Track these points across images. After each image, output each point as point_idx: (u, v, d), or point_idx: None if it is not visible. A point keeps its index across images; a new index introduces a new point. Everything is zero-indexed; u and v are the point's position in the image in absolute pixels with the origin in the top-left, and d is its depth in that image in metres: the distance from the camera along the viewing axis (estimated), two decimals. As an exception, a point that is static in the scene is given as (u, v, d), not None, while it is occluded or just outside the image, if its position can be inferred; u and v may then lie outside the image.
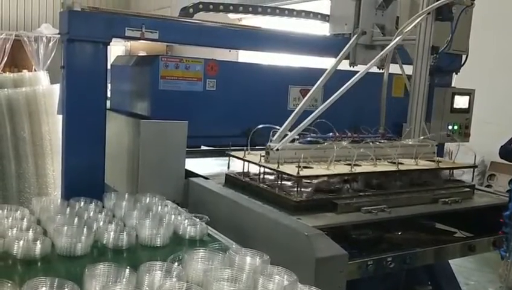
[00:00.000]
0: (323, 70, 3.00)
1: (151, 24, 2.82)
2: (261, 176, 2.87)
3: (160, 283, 1.57)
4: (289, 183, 2.67)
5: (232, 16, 9.17)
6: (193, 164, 3.18)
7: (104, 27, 2.66)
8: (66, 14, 2.61)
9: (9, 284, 1.44)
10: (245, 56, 6.79)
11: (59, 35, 10.26)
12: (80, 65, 2.66)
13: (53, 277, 1.59)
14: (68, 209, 2.29)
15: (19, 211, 2.27)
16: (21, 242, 1.86)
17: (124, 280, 1.58)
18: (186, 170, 3.01)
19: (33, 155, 5.00)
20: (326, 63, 3.21)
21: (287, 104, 3.44)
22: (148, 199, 2.55)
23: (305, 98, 2.98)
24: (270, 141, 2.74)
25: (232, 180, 2.88)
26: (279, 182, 2.65)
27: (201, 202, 2.78)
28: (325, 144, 2.80)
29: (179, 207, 2.48)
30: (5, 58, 12.92)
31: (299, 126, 2.80)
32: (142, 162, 2.83)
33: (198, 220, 2.27)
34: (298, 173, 2.48)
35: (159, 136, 2.86)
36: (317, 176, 2.57)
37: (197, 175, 3.05)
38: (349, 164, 2.68)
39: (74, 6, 2.58)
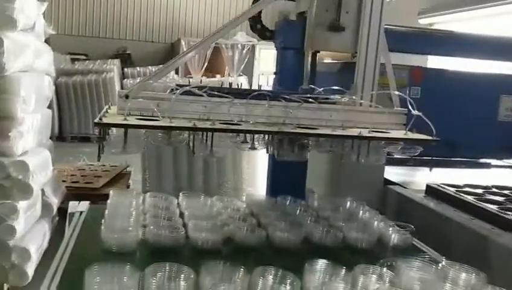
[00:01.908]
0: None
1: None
2: (466, 189, 2.73)
3: (374, 286, 1.61)
4: (501, 199, 2.49)
5: (422, 21, 8.83)
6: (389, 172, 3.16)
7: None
8: (282, 23, 2.80)
9: (241, 269, 1.61)
10: (434, 62, 6.48)
11: (252, 43, 10.85)
12: (292, 72, 2.82)
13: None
14: (278, 206, 2.46)
15: (234, 203, 2.52)
16: (241, 231, 2.07)
17: (339, 278, 1.64)
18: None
19: (232, 153, 5.45)
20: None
21: (497, 116, 3.20)
22: (348, 203, 2.61)
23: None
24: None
25: (433, 191, 2.78)
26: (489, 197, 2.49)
27: (401, 211, 2.74)
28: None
29: (380, 214, 2.48)
30: (206, 64, 14.32)
31: (170, 63, 2.22)
32: (343, 168, 2.89)
33: (402, 229, 2.25)
34: (100, 119, 1.89)
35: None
36: (114, 125, 1.92)
37: (394, 183, 3.02)
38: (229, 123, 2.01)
39: (290, 16, 2.75)
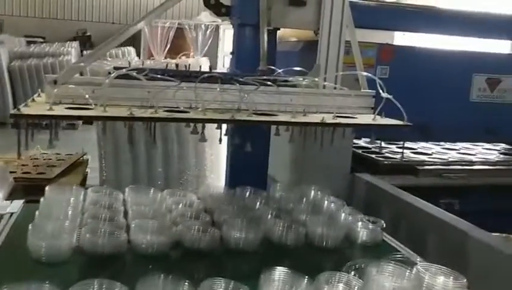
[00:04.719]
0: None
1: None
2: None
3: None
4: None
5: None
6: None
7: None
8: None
9: (186, 284, 1.37)
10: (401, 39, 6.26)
11: (216, 23, 10.52)
12: (251, 51, 2.56)
13: (223, 273, 1.52)
14: (235, 199, 2.23)
15: (187, 197, 2.27)
16: (192, 232, 1.82)
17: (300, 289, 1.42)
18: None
19: (193, 139, 5.18)
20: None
21: (470, 95, 3.03)
22: (313, 192, 2.39)
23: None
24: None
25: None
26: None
27: (369, 200, 2.55)
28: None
29: (347, 206, 2.27)
30: (168, 45, 13.88)
31: (103, 45, 1.93)
32: (307, 154, 2.67)
33: (371, 224, 2.05)
34: (18, 109, 1.61)
35: (325, 127, 2.68)
36: (33, 116, 1.61)
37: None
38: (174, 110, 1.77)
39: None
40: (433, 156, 3.28)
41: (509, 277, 1.71)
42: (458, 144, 3.52)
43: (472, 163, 3.22)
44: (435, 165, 3.08)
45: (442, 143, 3.48)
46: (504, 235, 2.44)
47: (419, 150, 3.33)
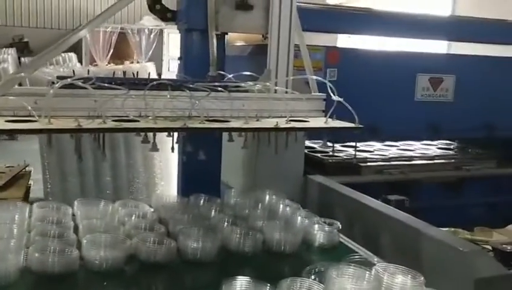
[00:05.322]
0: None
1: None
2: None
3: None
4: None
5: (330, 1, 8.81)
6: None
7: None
8: (185, 2, 2.49)
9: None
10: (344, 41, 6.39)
11: (159, 27, 10.31)
12: (199, 56, 2.53)
13: (182, 285, 1.49)
14: (190, 208, 2.18)
15: (139, 208, 2.21)
16: (147, 245, 1.77)
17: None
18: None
19: (142, 146, 5.06)
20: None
21: (414, 95, 3.12)
22: (267, 197, 2.38)
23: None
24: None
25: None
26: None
27: (322, 201, 2.57)
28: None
29: (303, 209, 2.28)
30: (111, 51, 13.56)
31: (44, 53, 1.88)
32: (260, 158, 2.67)
33: (327, 226, 2.06)
34: None
35: (278, 130, 2.68)
36: None
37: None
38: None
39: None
40: (375, 153, 3.39)
41: (461, 270, 1.76)
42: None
43: (411, 158, 3.38)
44: (377, 162, 3.21)
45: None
46: (452, 229, 2.54)
47: (361, 148, 3.43)
